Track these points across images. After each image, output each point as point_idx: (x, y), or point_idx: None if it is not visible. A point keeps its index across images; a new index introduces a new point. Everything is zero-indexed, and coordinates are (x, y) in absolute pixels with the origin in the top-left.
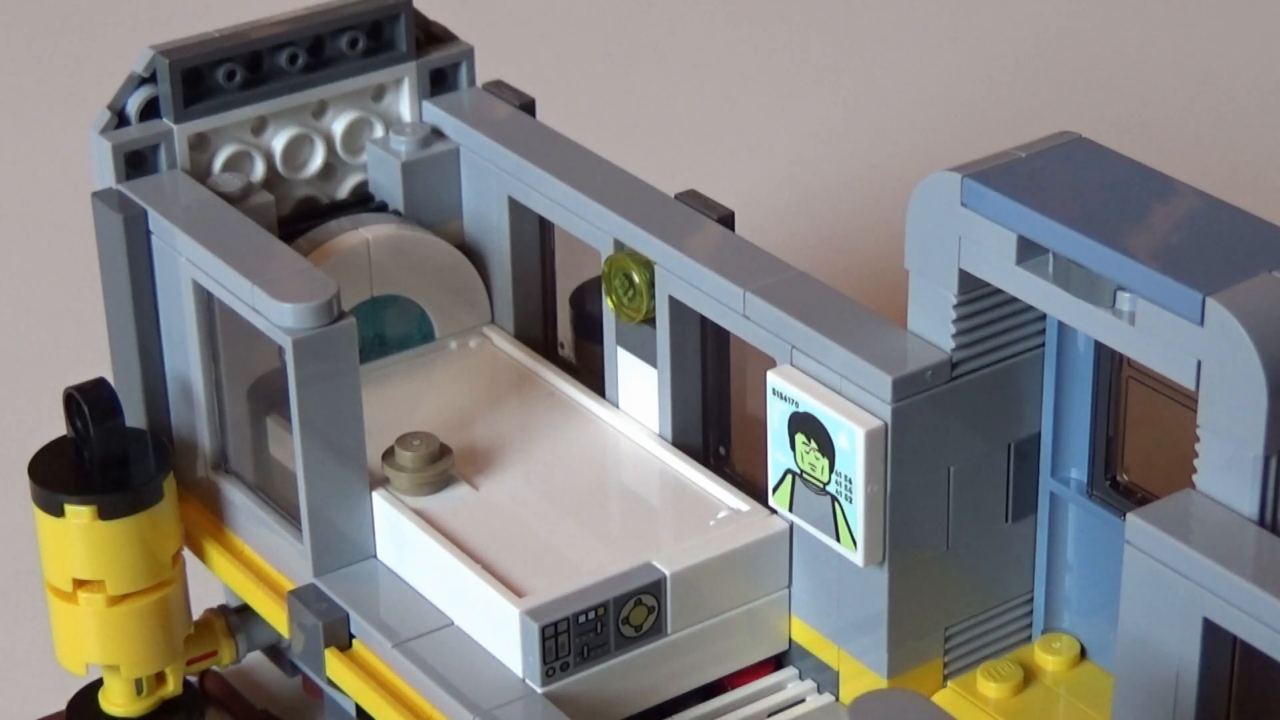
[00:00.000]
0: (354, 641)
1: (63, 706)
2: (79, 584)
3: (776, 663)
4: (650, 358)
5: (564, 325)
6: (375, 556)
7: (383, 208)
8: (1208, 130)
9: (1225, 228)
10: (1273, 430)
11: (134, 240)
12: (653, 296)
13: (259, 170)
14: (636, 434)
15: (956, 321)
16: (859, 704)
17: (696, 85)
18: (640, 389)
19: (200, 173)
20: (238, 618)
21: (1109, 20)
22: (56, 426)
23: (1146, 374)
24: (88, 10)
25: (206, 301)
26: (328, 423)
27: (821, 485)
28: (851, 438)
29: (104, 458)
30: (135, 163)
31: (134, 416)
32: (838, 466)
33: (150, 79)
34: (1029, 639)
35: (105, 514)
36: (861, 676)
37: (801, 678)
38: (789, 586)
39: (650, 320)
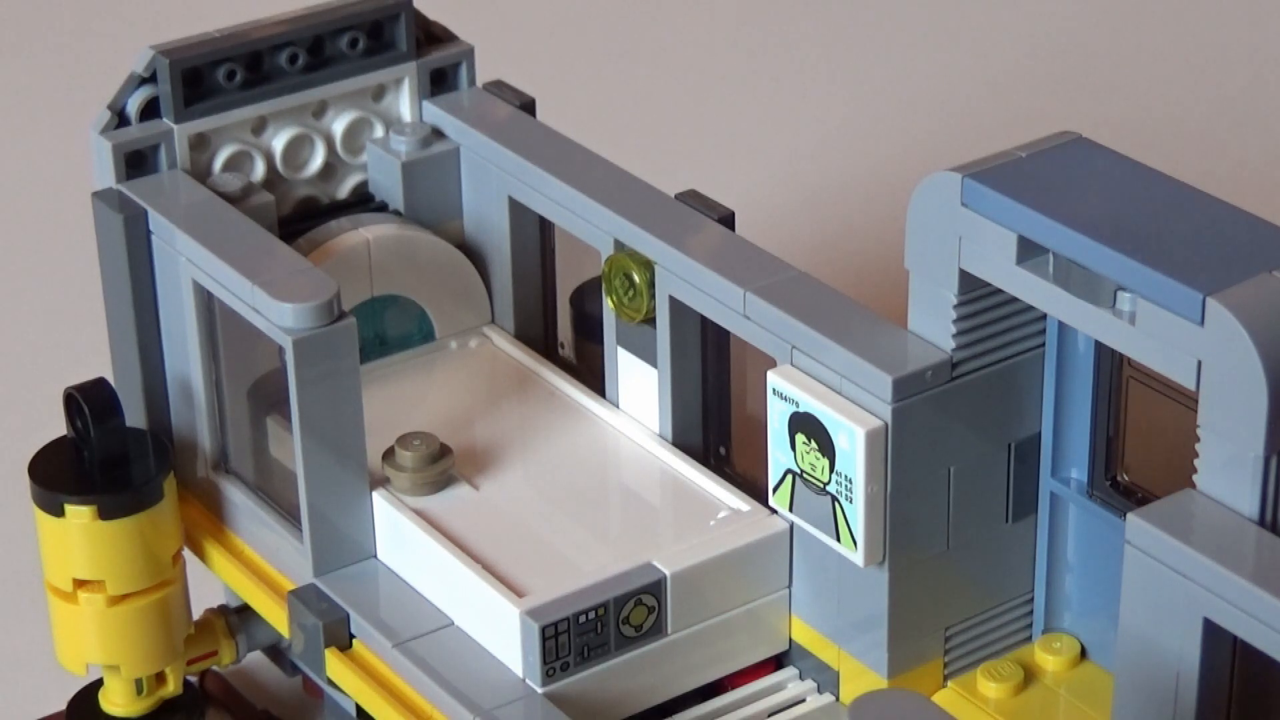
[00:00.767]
0: (354, 641)
1: (63, 706)
2: (79, 584)
3: (777, 663)
4: (650, 358)
5: (564, 325)
6: (375, 556)
7: (383, 208)
8: (1208, 130)
9: (1225, 228)
10: (1273, 430)
11: (134, 240)
12: (653, 296)
13: (259, 170)
14: (637, 434)
15: (957, 321)
16: (859, 704)
17: (696, 85)
18: (640, 389)
19: (200, 173)
20: (238, 618)
21: (1110, 20)
22: (57, 426)
23: (1147, 374)
24: (88, 10)
25: (207, 301)
26: (328, 423)
27: (822, 485)
28: (852, 438)
29: (104, 458)
30: (135, 163)
31: (134, 416)
32: (838, 466)
33: (150, 79)
34: (1029, 639)
35: (105, 514)
36: (862, 676)
37: (802, 678)
38: (789, 586)
39: (650, 320)
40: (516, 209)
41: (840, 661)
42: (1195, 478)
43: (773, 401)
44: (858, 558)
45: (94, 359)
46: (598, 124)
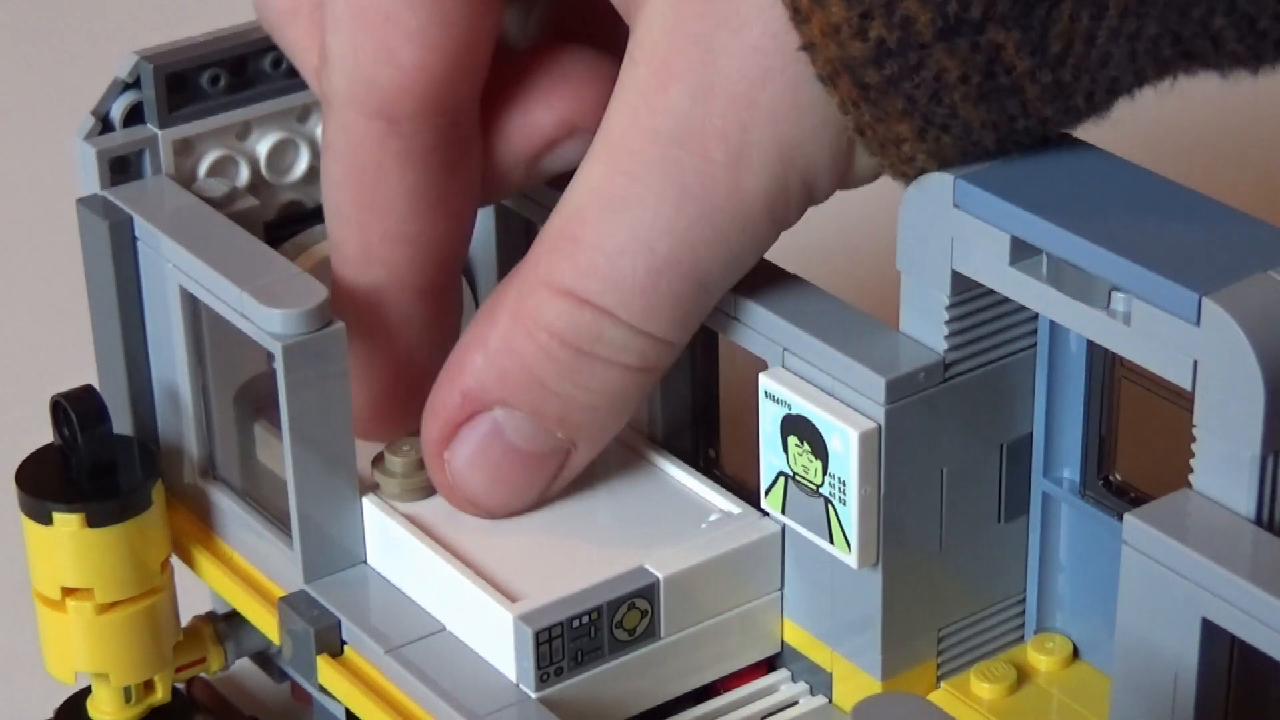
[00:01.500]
0: (345, 648)
1: (51, 714)
2: (67, 592)
3: (769, 665)
4: None
5: None
6: (366, 562)
7: None
8: (1202, 130)
9: (1220, 227)
10: (1270, 429)
11: (119, 246)
12: None
13: (244, 175)
14: (627, 437)
15: (949, 323)
16: (861, 708)
17: None
18: None
19: (185, 178)
20: (226, 625)
21: None
22: (44, 434)
23: (1139, 373)
24: (71, 16)
25: (193, 307)
26: (318, 428)
27: (815, 488)
28: (845, 440)
29: (92, 465)
30: (120, 168)
31: (121, 423)
32: (831, 469)
33: (135, 84)
34: (1022, 639)
35: (93, 522)
36: (855, 678)
37: (794, 680)
38: (781, 589)
39: None
40: (504, 214)
41: (833, 663)
42: (1191, 477)
43: (764, 404)
44: (851, 560)
45: (80, 366)
46: None
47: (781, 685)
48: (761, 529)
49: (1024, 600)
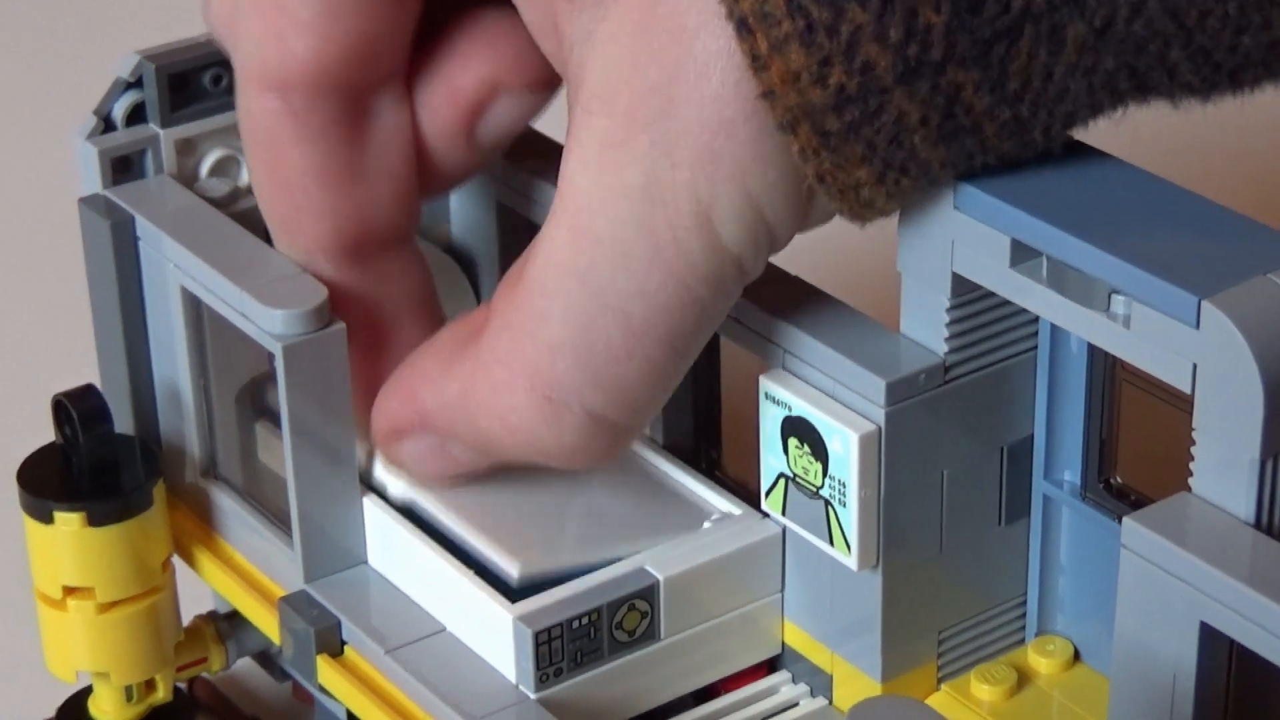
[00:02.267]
0: (346, 648)
1: (53, 713)
2: (68, 591)
3: (770, 667)
4: None
5: None
6: (366, 563)
7: None
8: (1203, 133)
9: (1220, 230)
10: (1269, 433)
11: (121, 246)
12: None
13: (245, 175)
14: None
15: (950, 325)
16: (857, 711)
17: None
18: None
19: (187, 177)
20: (227, 624)
21: None
22: (46, 433)
23: (1140, 376)
24: (74, 16)
25: (195, 307)
26: (318, 428)
27: (815, 489)
28: (845, 442)
29: (93, 464)
30: (122, 168)
31: (123, 423)
32: (831, 470)
33: (136, 84)
34: (1023, 641)
35: (94, 521)
36: (855, 680)
37: (795, 682)
38: (782, 591)
39: None
40: (504, 214)
41: (833, 665)
42: (1191, 481)
43: (765, 406)
44: (851, 561)
45: (82, 365)
46: None
47: (782, 687)
48: (762, 531)
49: (1025, 603)
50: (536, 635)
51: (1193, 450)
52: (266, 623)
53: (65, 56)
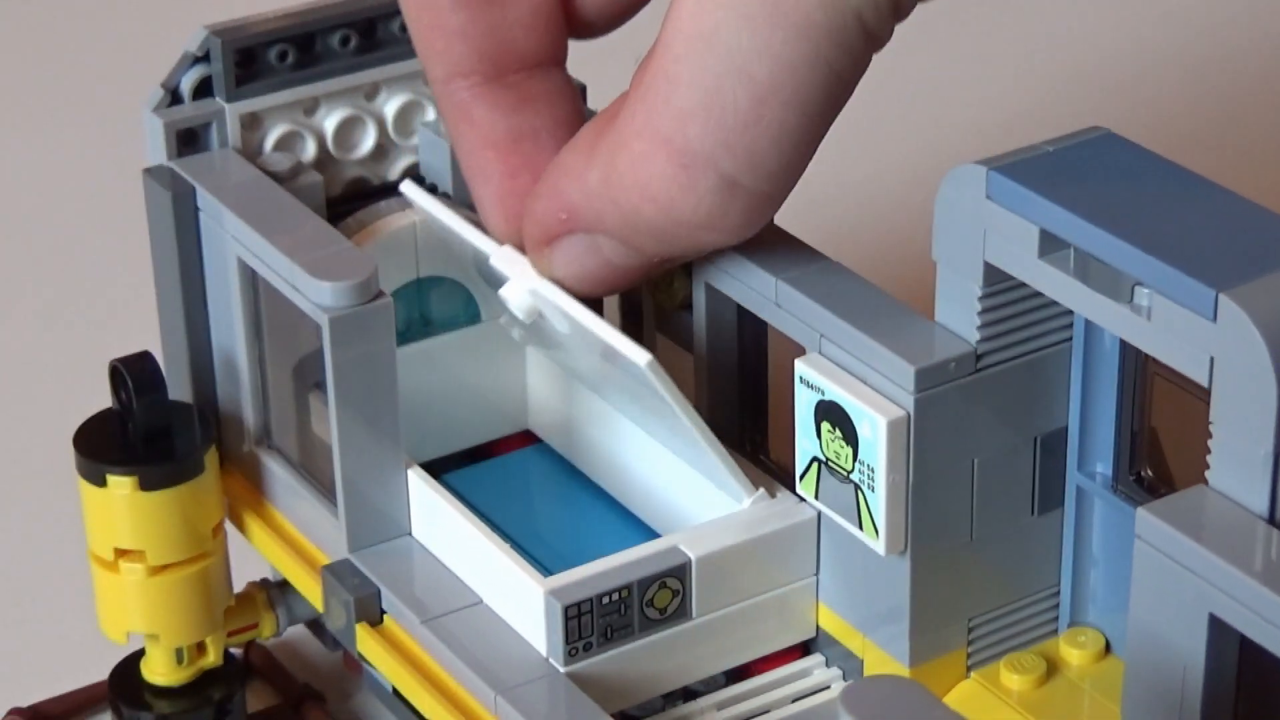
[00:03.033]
0: (385, 617)
1: (106, 676)
2: (120, 553)
3: (804, 649)
4: (687, 344)
5: (610, 308)
6: (410, 534)
7: (433, 190)
8: (1232, 122)
9: (1246, 225)
10: None
11: (183, 217)
12: (689, 283)
13: (310, 150)
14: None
15: (982, 314)
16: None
17: None
18: (677, 374)
19: (251, 152)
20: (279, 591)
21: (1145, 18)
22: (104, 399)
23: (1171, 370)
24: None
25: (251, 279)
26: (364, 400)
27: (846, 473)
28: (874, 426)
29: (147, 429)
30: (188, 140)
31: (181, 390)
32: (861, 455)
33: (204, 58)
34: (1055, 632)
35: (146, 485)
36: (885, 665)
37: (828, 665)
38: (817, 574)
39: (687, 306)
40: None
41: (865, 650)
42: (1207, 474)
43: (800, 389)
44: (879, 546)
45: (143, 333)
46: None
47: (815, 670)
48: (797, 514)
49: (1058, 593)
50: (566, 609)
51: (1210, 443)
52: (311, 590)
53: (135, 30)
